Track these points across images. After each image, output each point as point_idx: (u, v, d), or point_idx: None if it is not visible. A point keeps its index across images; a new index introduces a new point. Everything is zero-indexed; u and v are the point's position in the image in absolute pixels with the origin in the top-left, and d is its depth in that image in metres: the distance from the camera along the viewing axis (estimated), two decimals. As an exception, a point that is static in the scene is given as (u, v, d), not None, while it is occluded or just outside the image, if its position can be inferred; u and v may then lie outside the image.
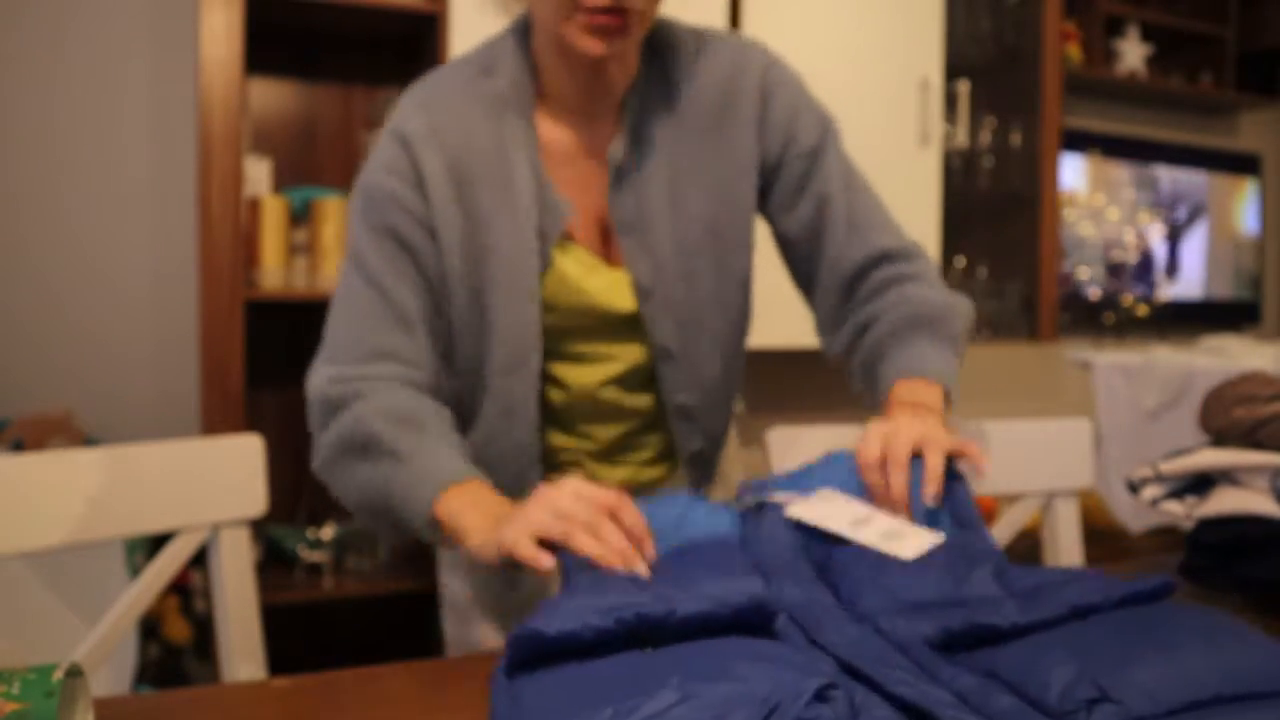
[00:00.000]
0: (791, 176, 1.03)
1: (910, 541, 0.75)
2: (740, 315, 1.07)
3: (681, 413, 1.05)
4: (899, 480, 0.81)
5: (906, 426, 0.83)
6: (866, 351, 1.00)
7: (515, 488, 0.95)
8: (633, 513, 0.74)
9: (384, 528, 0.91)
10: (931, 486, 0.80)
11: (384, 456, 0.87)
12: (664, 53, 1.00)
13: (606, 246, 1.00)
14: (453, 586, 1.13)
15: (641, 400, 1.05)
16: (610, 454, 1.07)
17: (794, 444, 1.17)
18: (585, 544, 0.71)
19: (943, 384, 0.92)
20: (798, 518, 0.79)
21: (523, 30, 0.99)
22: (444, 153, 0.94)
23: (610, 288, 0.99)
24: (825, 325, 1.07)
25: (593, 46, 0.88)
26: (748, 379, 1.14)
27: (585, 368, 1.02)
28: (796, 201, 1.04)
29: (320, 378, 0.94)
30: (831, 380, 2.60)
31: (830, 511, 0.80)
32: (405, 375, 0.93)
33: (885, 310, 0.99)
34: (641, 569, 0.71)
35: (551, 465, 1.06)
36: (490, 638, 1.10)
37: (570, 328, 1.00)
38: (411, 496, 0.85)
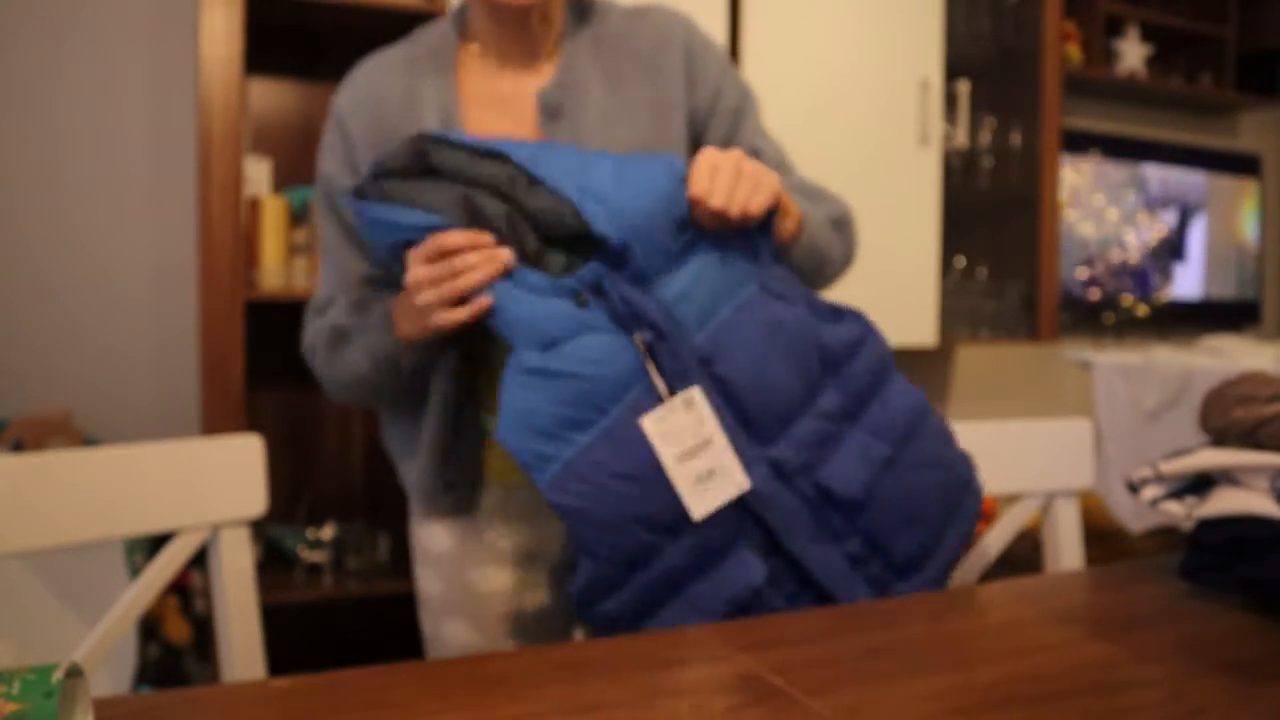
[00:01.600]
0: (720, 129, 1.09)
1: (712, 494, 0.88)
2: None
3: None
4: (725, 179, 0.89)
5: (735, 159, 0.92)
6: None
7: (472, 433, 1.07)
8: (454, 237, 0.89)
9: (382, 386, 1.05)
10: (760, 196, 0.90)
11: (352, 335, 1.04)
12: (590, 13, 1.08)
13: None
14: (424, 583, 1.16)
15: None
16: None
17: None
18: (469, 282, 0.88)
19: (793, 204, 1.00)
20: (647, 431, 0.88)
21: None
22: (365, 118, 1.04)
23: None
24: None
25: None
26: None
27: None
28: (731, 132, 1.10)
29: (308, 331, 1.12)
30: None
31: (674, 428, 0.89)
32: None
33: None
34: (505, 255, 0.89)
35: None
36: (461, 635, 1.11)
37: None
38: (378, 338, 1.01)
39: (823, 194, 1.11)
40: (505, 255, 0.89)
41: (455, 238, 0.88)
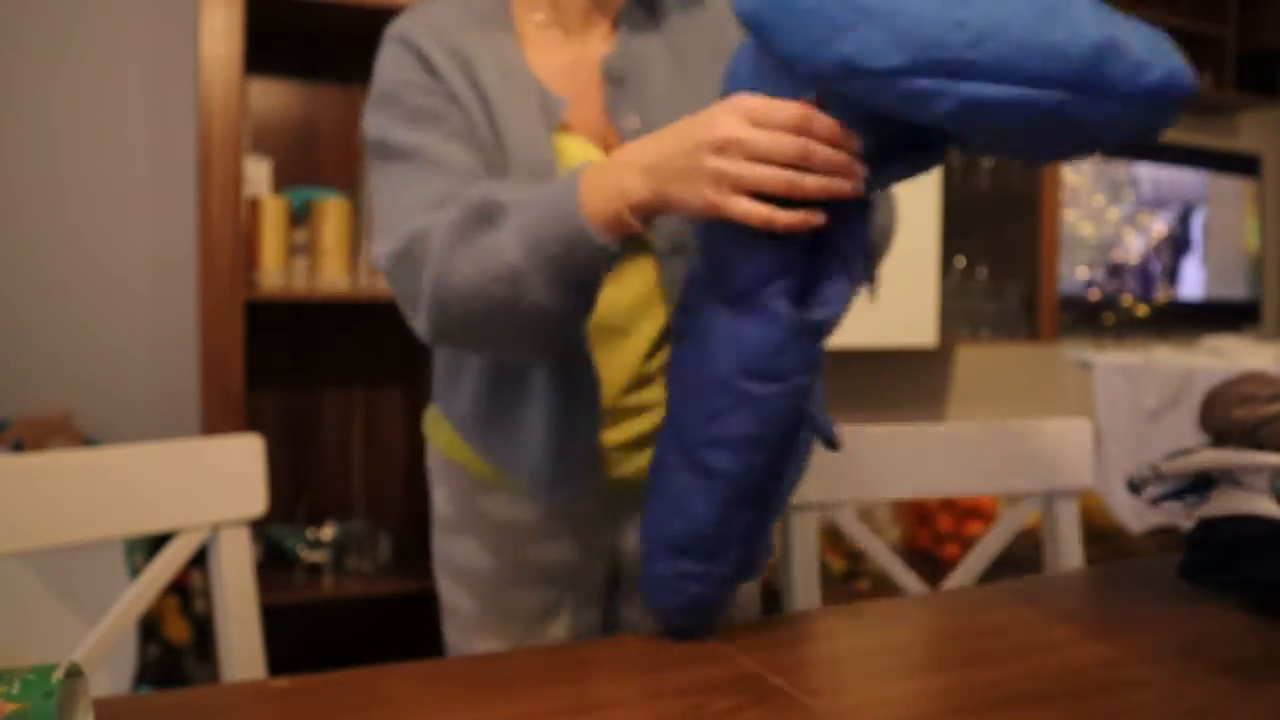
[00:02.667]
0: None
1: None
2: None
3: None
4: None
5: None
6: None
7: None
8: (824, 121, 0.70)
9: (521, 299, 0.79)
10: None
11: (500, 213, 0.80)
12: None
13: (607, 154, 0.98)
14: (454, 597, 1.10)
15: (650, 325, 0.99)
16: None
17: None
18: (816, 185, 0.69)
19: None
20: None
21: None
22: (441, 43, 0.93)
23: None
24: None
25: None
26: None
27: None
28: None
29: (386, 246, 0.87)
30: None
31: None
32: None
33: None
34: (859, 170, 0.70)
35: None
36: (495, 649, 1.08)
37: None
38: (552, 214, 0.77)
39: None
40: (861, 171, 0.71)
41: (827, 123, 0.70)
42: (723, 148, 0.70)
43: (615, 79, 0.97)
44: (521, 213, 0.79)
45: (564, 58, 0.99)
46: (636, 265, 0.98)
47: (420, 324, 0.86)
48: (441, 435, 1.09)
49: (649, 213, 0.77)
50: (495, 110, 0.93)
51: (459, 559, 1.08)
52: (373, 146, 0.94)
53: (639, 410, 1.01)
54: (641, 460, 1.01)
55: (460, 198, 0.83)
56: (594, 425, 0.97)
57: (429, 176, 0.88)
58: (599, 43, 1.00)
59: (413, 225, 0.84)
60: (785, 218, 0.71)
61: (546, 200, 0.78)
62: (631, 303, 0.98)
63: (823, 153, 0.70)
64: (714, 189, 0.71)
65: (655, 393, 1.00)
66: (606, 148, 0.97)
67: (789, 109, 0.69)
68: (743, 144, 0.69)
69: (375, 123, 0.94)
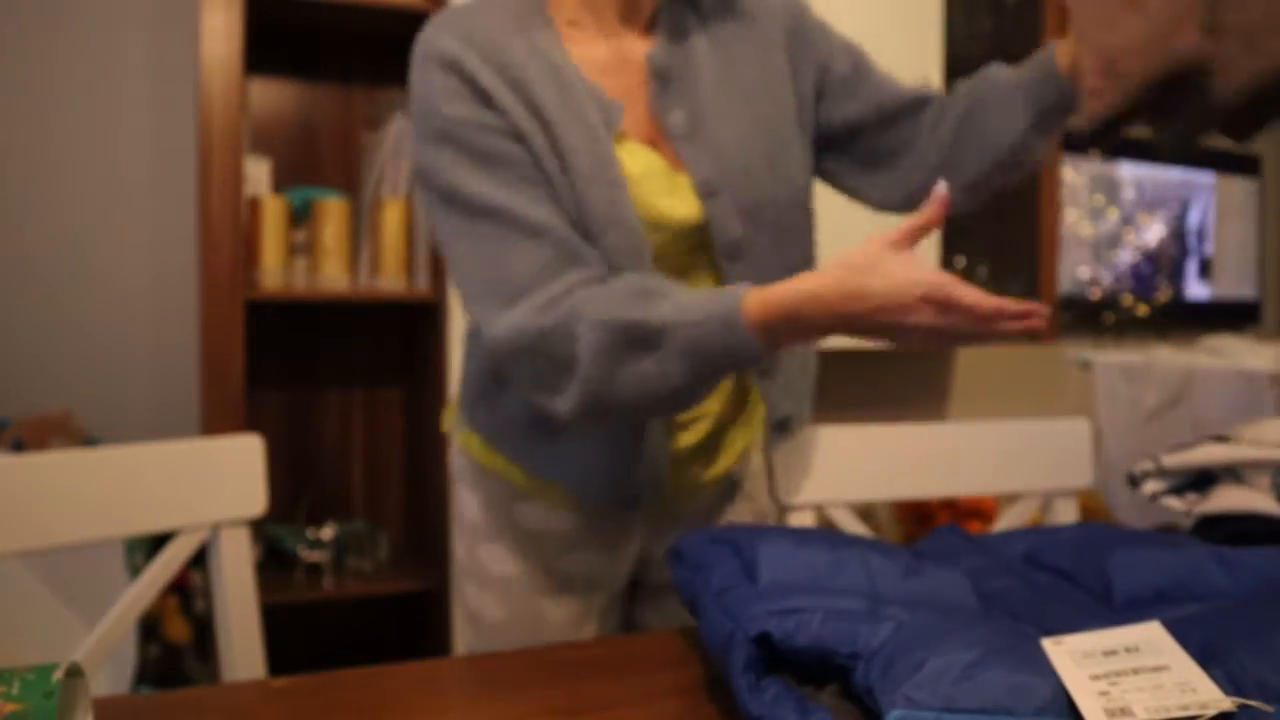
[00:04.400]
0: (838, 100, 1.05)
1: None
2: (804, 215, 1.04)
3: None
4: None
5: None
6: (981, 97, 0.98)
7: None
8: (968, 291, 0.77)
9: (681, 400, 0.86)
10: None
11: (659, 330, 0.82)
12: None
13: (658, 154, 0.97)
14: (480, 605, 1.08)
15: None
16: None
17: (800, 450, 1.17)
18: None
19: None
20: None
21: None
22: (489, 62, 0.90)
23: (673, 191, 0.95)
24: (915, 165, 1.04)
25: None
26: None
27: None
28: (854, 89, 1.05)
29: (511, 321, 0.86)
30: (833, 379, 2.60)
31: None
32: (592, 274, 0.88)
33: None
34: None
35: None
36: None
37: None
38: (715, 330, 0.81)
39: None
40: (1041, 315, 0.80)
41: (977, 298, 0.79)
42: (938, 335, 0.80)
43: (661, 76, 0.96)
44: (685, 331, 0.82)
45: (605, 53, 0.97)
46: (697, 273, 0.98)
47: (561, 407, 0.88)
48: (474, 443, 1.08)
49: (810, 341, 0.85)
50: (559, 134, 0.90)
51: (489, 566, 1.07)
52: (441, 191, 0.91)
53: (698, 418, 1.02)
54: (698, 466, 1.03)
55: (597, 291, 0.85)
56: (665, 436, 1.00)
57: (528, 244, 0.88)
58: (636, 41, 0.98)
59: (536, 303, 0.86)
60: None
61: (711, 322, 0.82)
62: None
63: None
64: (939, 341, 0.81)
65: (714, 402, 1.02)
66: (653, 146, 0.96)
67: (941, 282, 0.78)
68: (948, 330, 0.79)
69: (437, 164, 0.90)
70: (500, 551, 1.06)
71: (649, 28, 0.99)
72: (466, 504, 1.09)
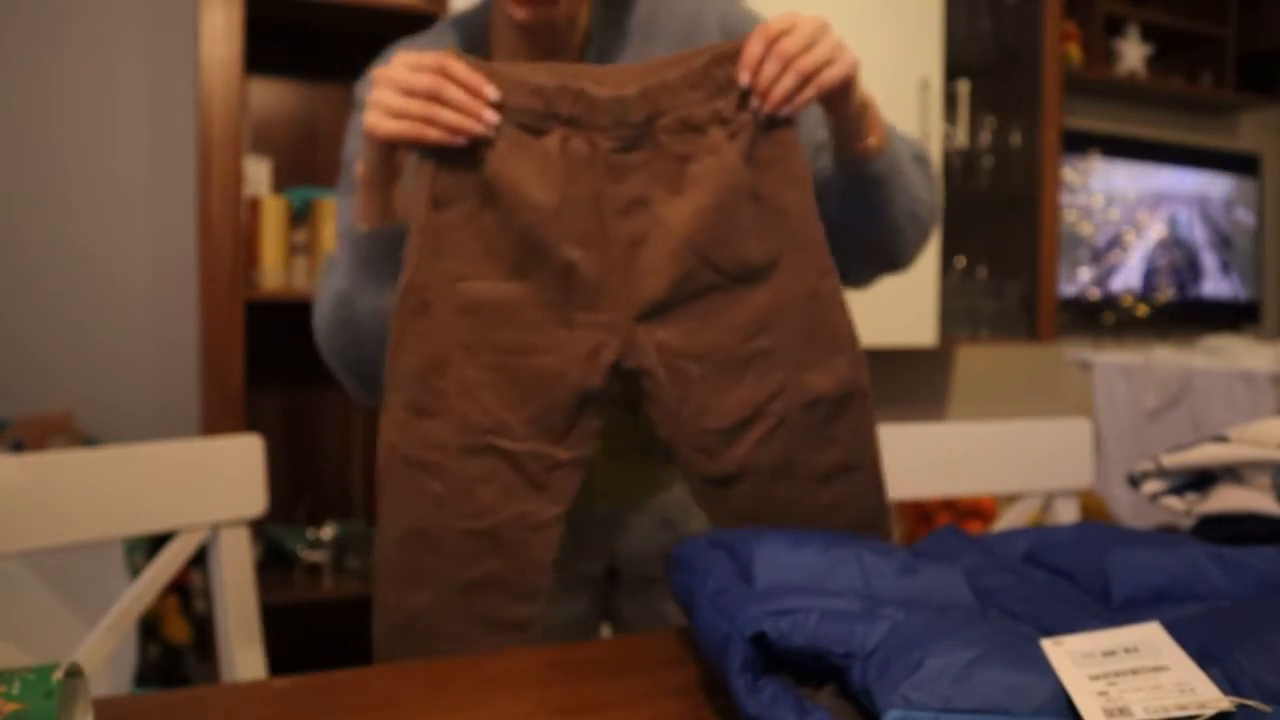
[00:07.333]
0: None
1: None
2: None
3: None
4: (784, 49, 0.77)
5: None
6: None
7: None
8: (458, 67, 0.78)
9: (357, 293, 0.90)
10: (790, 78, 0.78)
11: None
12: (619, 3, 1.01)
13: None
14: None
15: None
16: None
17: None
18: (442, 119, 0.77)
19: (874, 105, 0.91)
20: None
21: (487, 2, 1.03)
22: None
23: None
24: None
25: (516, 12, 0.90)
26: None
27: None
28: None
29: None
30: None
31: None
32: None
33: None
34: (488, 116, 0.78)
35: None
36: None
37: None
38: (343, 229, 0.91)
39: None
40: (490, 117, 0.78)
41: (461, 69, 0.78)
42: (378, 81, 0.80)
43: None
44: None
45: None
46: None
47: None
48: None
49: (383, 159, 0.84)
50: None
51: None
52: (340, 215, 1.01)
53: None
54: (613, 470, 1.03)
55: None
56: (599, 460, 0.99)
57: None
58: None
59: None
60: (434, 134, 0.78)
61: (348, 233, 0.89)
62: None
63: (452, 92, 0.77)
64: (373, 116, 0.79)
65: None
66: None
67: (430, 56, 0.79)
68: (391, 78, 0.79)
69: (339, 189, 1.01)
70: None
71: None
72: None
